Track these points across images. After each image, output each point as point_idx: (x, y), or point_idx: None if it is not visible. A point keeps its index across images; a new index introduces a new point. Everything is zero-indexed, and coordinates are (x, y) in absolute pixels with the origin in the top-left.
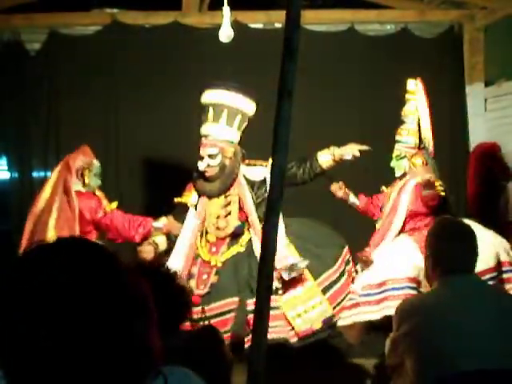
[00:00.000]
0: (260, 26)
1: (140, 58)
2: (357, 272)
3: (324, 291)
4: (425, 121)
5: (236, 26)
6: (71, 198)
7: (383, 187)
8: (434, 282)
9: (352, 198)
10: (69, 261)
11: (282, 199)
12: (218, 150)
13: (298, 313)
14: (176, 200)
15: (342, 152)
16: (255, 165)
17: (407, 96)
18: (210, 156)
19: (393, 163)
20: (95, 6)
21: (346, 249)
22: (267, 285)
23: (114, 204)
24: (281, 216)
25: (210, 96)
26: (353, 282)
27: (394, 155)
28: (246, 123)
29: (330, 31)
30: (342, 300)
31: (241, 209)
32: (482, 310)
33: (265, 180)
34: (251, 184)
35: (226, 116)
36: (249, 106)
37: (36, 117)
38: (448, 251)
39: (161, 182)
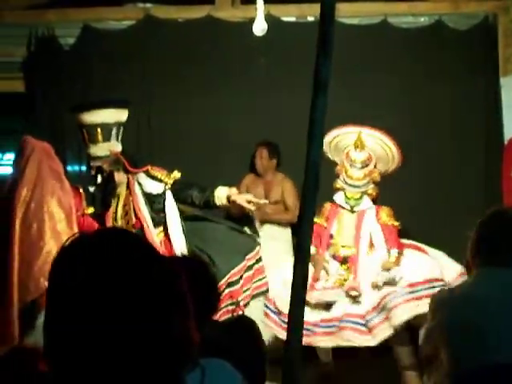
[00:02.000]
0: (292, 19)
1: (173, 52)
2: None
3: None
4: None
5: (269, 19)
6: (64, 184)
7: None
8: (472, 270)
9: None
10: (114, 252)
11: (318, 187)
12: (115, 159)
13: None
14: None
15: (237, 198)
16: (154, 176)
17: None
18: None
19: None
20: (128, 1)
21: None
22: (301, 291)
23: (91, 209)
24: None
25: (96, 116)
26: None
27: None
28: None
29: (363, 24)
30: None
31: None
32: None
33: (162, 194)
34: (147, 196)
35: (115, 132)
36: (126, 115)
37: (70, 111)
38: (491, 239)
39: (191, 178)
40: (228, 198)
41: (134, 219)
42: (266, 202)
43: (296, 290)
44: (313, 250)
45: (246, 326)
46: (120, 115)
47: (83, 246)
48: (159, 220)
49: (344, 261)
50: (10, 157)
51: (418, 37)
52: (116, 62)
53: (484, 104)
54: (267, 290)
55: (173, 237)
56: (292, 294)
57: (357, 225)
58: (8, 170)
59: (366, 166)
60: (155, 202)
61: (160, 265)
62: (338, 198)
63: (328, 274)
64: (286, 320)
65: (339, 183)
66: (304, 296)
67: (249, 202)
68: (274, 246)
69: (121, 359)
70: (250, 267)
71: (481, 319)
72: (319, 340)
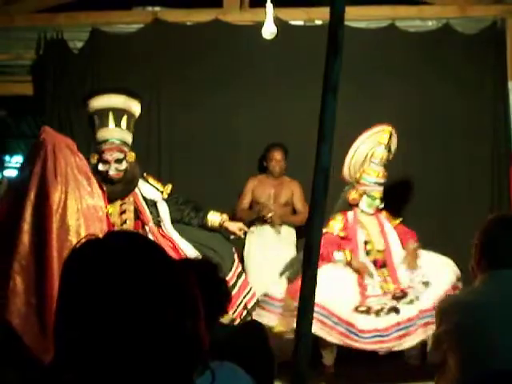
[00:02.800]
0: (300, 23)
1: (181, 55)
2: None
3: None
4: None
5: (277, 23)
6: (91, 183)
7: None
8: (478, 275)
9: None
10: (126, 254)
11: (327, 191)
12: (124, 155)
13: None
14: None
15: (229, 226)
16: (150, 183)
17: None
18: (117, 160)
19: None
20: (137, 5)
21: (236, 262)
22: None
23: (110, 209)
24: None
25: (107, 100)
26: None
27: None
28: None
29: (371, 28)
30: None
31: (137, 218)
32: None
33: (155, 203)
34: (144, 199)
35: (125, 120)
36: (137, 108)
37: (79, 114)
38: (495, 244)
39: (201, 179)
40: (220, 224)
41: (133, 220)
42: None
43: (304, 302)
44: (348, 257)
45: (255, 330)
46: (130, 104)
47: (94, 248)
48: (157, 224)
49: (383, 265)
50: (18, 159)
51: (425, 41)
52: (124, 65)
53: (492, 108)
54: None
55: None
56: (300, 305)
57: (380, 227)
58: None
59: (384, 165)
60: (149, 207)
61: (171, 267)
62: (363, 203)
63: (374, 280)
64: (337, 321)
65: (359, 190)
66: (312, 307)
67: (240, 229)
68: (280, 249)
69: (132, 360)
70: (238, 276)
71: (488, 324)
72: (394, 345)
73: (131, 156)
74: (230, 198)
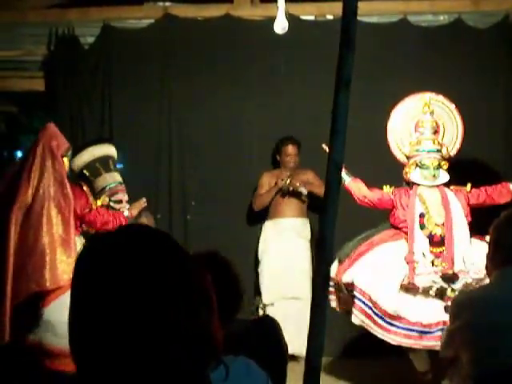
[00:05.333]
0: (311, 18)
1: (192, 50)
2: None
3: None
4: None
5: (288, 18)
6: (66, 188)
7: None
8: (492, 272)
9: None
10: (140, 250)
11: (340, 190)
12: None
13: None
14: None
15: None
16: None
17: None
18: (127, 201)
19: (430, 172)
20: (148, 0)
21: None
22: (324, 282)
23: (99, 202)
24: None
25: (106, 149)
26: None
27: (431, 164)
28: None
29: (383, 22)
30: None
31: None
32: None
33: None
34: None
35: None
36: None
37: (90, 109)
38: (507, 240)
39: (213, 174)
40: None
41: None
42: None
43: (317, 292)
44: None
45: (268, 326)
46: (114, 151)
47: (108, 244)
48: None
49: (442, 241)
50: None
51: (437, 35)
52: (135, 60)
53: (503, 102)
54: None
55: None
56: (313, 297)
57: (443, 201)
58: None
59: (436, 132)
60: None
61: (185, 261)
62: (415, 175)
63: (425, 257)
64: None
65: (410, 163)
66: (326, 298)
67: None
68: (296, 243)
69: (147, 355)
70: None
71: (502, 321)
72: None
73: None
74: (242, 193)
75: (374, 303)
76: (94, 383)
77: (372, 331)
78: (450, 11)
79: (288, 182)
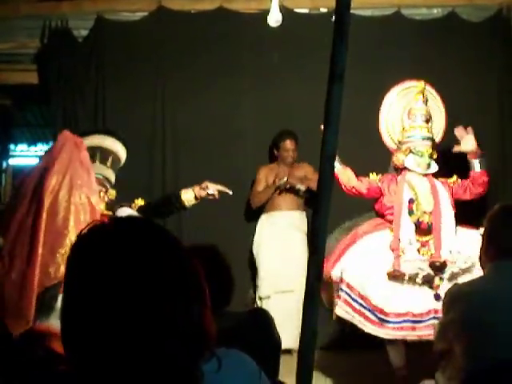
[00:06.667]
0: (305, 11)
1: (186, 43)
2: None
3: None
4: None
5: (282, 11)
6: (91, 178)
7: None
8: (486, 265)
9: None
10: (138, 244)
11: (333, 185)
12: (105, 190)
13: None
14: None
15: (201, 192)
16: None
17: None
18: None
19: (425, 160)
20: None
21: None
22: (317, 274)
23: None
24: None
25: (97, 140)
26: None
27: (426, 151)
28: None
29: (376, 15)
30: None
31: None
32: None
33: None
34: None
35: (110, 161)
36: (123, 154)
37: (84, 102)
38: (501, 234)
39: (207, 167)
40: (197, 197)
41: None
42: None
43: (310, 284)
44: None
45: (261, 318)
46: (117, 147)
47: (102, 234)
48: None
49: (429, 230)
50: (22, 148)
51: (431, 28)
52: (129, 53)
53: (497, 95)
54: None
55: None
56: (306, 288)
57: (432, 190)
58: (21, 162)
59: (428, 121)
60: None
61: (178, 252)
62: (409, 161)
63: (411, 244)
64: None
65: (404, 149)
66: (319, 290)
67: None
68: (292, 236)
69: (139, 346)
70: None
71: (494, 314)
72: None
73: (112, 194)
74: (237, 187)
75: (365, 299)
76: (91, 379)
77: (361, 326)
78: (443, 4)
79: (285, 180)
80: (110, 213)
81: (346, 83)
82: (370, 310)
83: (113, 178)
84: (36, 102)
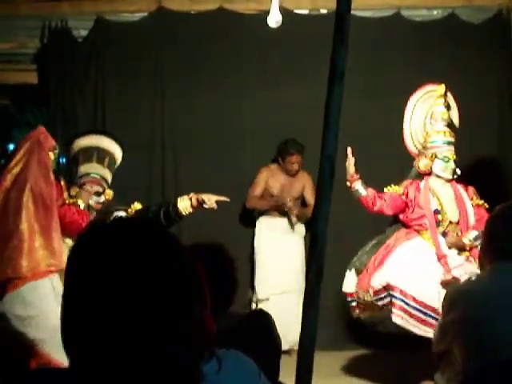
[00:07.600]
0: (305, 11)
1: (186, 44)
2: None
3: None
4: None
5: (282, 11)
6: (49, 177)
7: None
8: (485, 265)
9: (358, 185)
10: (136, 243)
11: (333, 186)
12: (103, 190)
13: None
14: None
15: (197, 203)
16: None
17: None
18: (97, 193)
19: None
20: None
21: None
22: (317, 277)
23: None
24: None
25: (95, 141)
26: None
27: (452, 157)
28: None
29: (376, 17)
30: None
31: None
32: None
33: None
34: None
35: (107, 161)
36: (120, 155)
37: (83, 102)
38: (502, 234)
39: (207, 168)
40: (191, 205)
41: None
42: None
43: (310, 287)
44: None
45: (261, 319)
46: (114, 148)
47: (103, 234)
48: None
49: None
50: None
51: (431, 30)
52: (129, 54)
53: (497, 97)
54: None
55: None
56: (306, 291)
57: (457, 197)
58: None
59: (449, 125)
60: None
61: (178, 253)
62: (436, 166)
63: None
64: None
65: (429, 154)
66: (318, 294)
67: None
68: (290, 239)
69: (140, 348)
70: None
71: (494, 315)
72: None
73: (109, 194)
74: (237, 188)
75: (420, 303)
76: (91, 380)
77: (417, 331)
78: (443, 6)
79: (289, 206)
80: (75, 200)
81: (345, 84)
82: (426, 314)
83: (110, 178)
84: (36, 102)
